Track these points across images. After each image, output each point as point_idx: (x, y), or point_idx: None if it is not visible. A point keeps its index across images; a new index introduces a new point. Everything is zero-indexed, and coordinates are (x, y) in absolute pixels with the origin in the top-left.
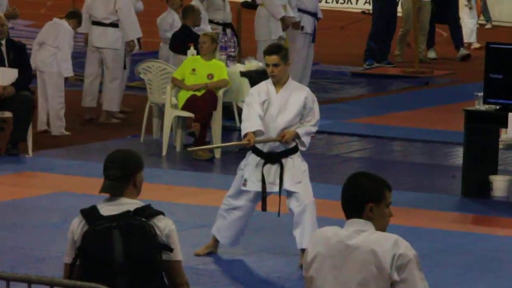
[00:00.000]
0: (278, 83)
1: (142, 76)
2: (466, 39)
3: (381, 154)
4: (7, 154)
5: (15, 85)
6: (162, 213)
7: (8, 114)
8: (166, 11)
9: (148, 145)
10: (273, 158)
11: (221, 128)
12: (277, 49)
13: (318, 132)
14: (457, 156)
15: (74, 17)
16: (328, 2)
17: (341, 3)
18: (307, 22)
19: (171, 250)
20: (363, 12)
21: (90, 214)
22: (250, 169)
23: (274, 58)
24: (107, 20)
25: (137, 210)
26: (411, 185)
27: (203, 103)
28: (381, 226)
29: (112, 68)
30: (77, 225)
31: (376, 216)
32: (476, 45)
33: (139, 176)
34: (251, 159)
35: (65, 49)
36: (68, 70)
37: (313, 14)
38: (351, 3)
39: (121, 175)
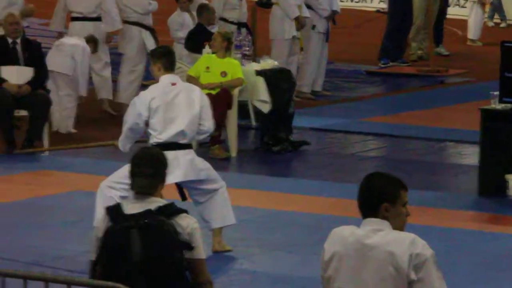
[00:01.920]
0: None
1: None
2: (470, 36)
3: (397, 153)
4: (23, 153)
5: (30, 83)
6: (185, 211)
7: (23, 113)
8: (176, 11)
9: None
10: None
11: (237, 127)
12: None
13: (333, 131)
14: (473, 155)
15: (92, 41)
16: (343, 1)
17: (356, 1)
18: (320, 22)
19: (190, 248)
20: (378, 11)
21: (114, 212)
22: None
23: None
24: (94, 14)
25: (159, 208)
26: (426, 184)
27: (217, 102)
28: (398, 226)
29: (103, 58)
30: (101, 223)
31: (391, 215)
32: (479, 43)
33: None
34: None
35: (85, 70)
36: (85, 90)
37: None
38: (366, 2)
39: (154, 172)
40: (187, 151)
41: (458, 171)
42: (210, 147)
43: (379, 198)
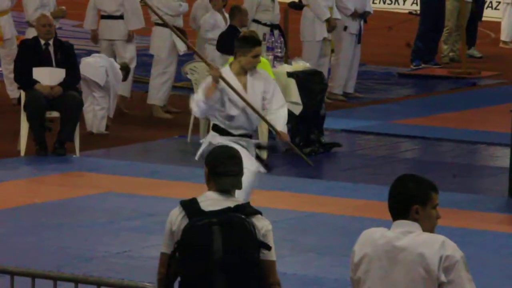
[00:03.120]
0: None
1: (189, 76)
2: (503, 38)
3: (428, 155)
4: (54, 154)
5: (62, 85)
6: (260, 213)
7: (55, 114)
8: (209, 12)
9: (195, 145)
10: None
11: (268, 128)
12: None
13: (365, 132)
14: (505, 157)
15: (125, 69)
16: (375, 3)
17: (388, 3)
18: (352, 23)
19: (269, 248)
20: (410, 13)
21: (191, 207)
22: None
23: None
24: (117, 12)
25: (237, 207)
26: (458, 186)
27: None
28: (428, 228)
29: (125, 58)
30: (176, 216)
31: (422, 218)
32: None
33: None
34: None
35: (116, 92)
36: (112, 113)
37: (360, 15)
38: (398, 4)
39: (239, 171)
40: None
41: (489, 173)
42: None
43: (410, 200)
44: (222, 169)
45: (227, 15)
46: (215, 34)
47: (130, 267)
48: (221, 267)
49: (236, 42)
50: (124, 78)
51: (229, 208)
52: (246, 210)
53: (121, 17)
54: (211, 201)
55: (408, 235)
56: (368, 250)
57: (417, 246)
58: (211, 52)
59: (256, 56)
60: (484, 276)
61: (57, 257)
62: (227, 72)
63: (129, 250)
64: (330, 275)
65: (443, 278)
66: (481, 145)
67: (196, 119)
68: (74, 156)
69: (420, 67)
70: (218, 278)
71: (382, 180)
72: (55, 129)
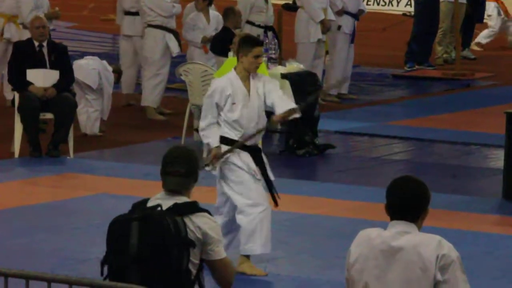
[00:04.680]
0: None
1: (182, 78)
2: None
3: (422, 156)
4: (48, 156)
5: (56, 86)
6: (206, 211)
7: (49, 116)
8: (194, 12)
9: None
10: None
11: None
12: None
13: (359, 134)
14: (498, 158)
15: (117, 72)
16: (369, 4)
17: (382, 5)
18: (346, 22)
19: (193, 245)
20: (404, 14)
21: (137, 206)
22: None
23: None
24: (133, 8)
25: (175, 205)
26: (451, 187)
27: None
28: (420, 228)
29: (140, 54)
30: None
31: (424, 218)
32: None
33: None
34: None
35: (109, 94)
36: (106, 115)
37: (353, 15)
38: (392, 5)
39: (188, 171)
40: None
41: (483, 175)
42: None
43: (424, 202)
44: (169, 169)
45: (212, 15)
46: (192, 35)
47: None
48: (136, 261)
49: (238, 43)
50: (116, 81)
51: (158, 205)
52: (185, 208)
53: (137, 13)
54: (158, 200)
55: (405, 235)
56: (364, 249)
57: (414, 246)
58: (191, 51)
59: (257, 56)
60: (477, 278)
61: (51, 259)
62: (233, 77)
63: None
64: (324, 276)
65: (439, 276)
66: (475, 146)
67: (190, 121)
68: (68, 157)
69: (414, 68)
70: (132, 273)
71: (376, 182)
72: (49, 131)
